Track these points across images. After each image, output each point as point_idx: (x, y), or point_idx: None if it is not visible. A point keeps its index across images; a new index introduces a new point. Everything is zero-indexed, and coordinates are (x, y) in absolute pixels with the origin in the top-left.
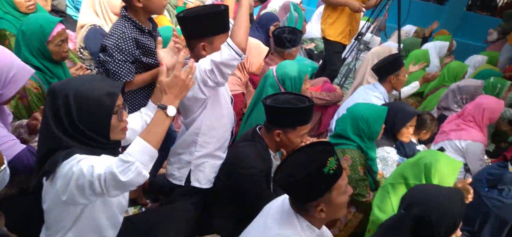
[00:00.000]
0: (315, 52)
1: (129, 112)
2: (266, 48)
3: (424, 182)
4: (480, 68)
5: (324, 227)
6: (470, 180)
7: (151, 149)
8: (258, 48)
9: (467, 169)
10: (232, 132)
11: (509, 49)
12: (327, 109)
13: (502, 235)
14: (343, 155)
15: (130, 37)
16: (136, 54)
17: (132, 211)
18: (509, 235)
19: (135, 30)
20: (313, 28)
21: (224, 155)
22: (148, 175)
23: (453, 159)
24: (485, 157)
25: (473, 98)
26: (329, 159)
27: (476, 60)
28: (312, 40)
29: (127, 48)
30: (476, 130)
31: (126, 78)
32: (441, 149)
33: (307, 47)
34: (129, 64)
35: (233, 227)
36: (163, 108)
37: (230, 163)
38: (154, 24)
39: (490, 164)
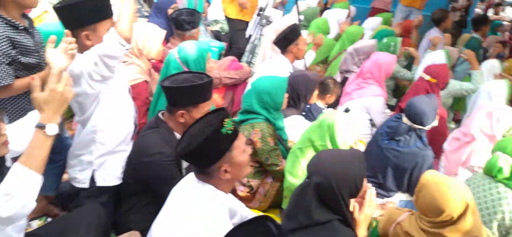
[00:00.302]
0: (222, 33)
1: (14, 120)
2: (164, 32)
3: (328, 141)
4: (377, 30)
5: (236, 200)
6: None
7: (34, 175)
8: (154, 33)
9: (373, 124)
10: (135, 123)
11: (402, 9)
12: (237, 88)
13: (404, 182)
14: (252, 129)
15: (2, 36)
16: (12, 54)
17: (36, 223)
18: (410, 181)
19: (8, 28)
20: (217, 9)
21: (128, 148)
22: (34, 204)
23: (349, 115)
24: (387, 110)
25: (369, 57)
26: (225, 120)
27: (373, 23)
28: (216, 21)
29: (0, 49)
30: (376, 85)
31: (2, 82)
32: (347, 110)
33: (213, 29)
34: (5, 67)
35: (151, 219)
36: (42, 127)
37: (135, 154)
38: (30, 20)
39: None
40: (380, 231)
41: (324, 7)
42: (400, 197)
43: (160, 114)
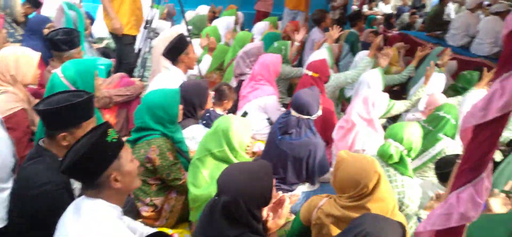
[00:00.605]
0: (112, 50)
1: None
2: (38, 54)
3: (226, 146)
4: (265, 33)
5: (130, 220)
6: None
7: None
8: (25, 57)
9: (271, 122)
10: (14, 157)
11: (288, 13)
12: (131, 104)
13: (302, 172)
14: (149, 146)
15: None
16: None
17: None
18: (307, 170)
19: None
20: (101, 26)
21: (9, 184)
22: None
23: (242, 118)
24: (283, 108)
25: (258, 58)
26: (109, 130)
27: (261, 27)
28: (101, 39)
29: None
30: (268, 85)
31: None
32: (245, 113)
33: (100, 47)
34: None
35: None
36: None
37: (21, 189)
38: None
39: None
40: (302, 218)
41: (213, 16)
42: (301, 188)
43: (40, 142)
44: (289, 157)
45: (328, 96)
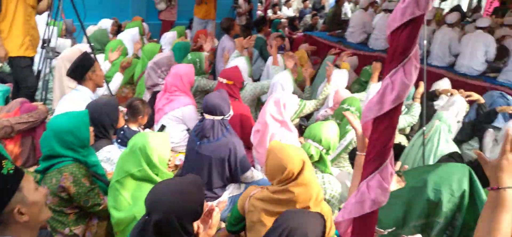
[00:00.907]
0: (7, 74)
1: None
2: None
3: (145, 165)
4: (174, 43)
5: None
6: None
7: None
8: None
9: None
10: None
11: (199, 22)
12: (36, 131)
13: (226, 171)
14: (61, 174)
15: None
16: None
17: None
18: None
19: None
20: None
21: None
22: None
23: (159, 132)
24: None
25: (170, 67)
26: (3, 162)
27: (169, 37)
28: None
29: None
30: (183, 95)
31: None
32: (162, 127)
33: None
34: None
35: None
36: None
37: None
38: None
39: None
40: (239, 207)
41: (117, 30)
42: (227, 194)
43: None
44: (212, 160)
45: (247, 104)
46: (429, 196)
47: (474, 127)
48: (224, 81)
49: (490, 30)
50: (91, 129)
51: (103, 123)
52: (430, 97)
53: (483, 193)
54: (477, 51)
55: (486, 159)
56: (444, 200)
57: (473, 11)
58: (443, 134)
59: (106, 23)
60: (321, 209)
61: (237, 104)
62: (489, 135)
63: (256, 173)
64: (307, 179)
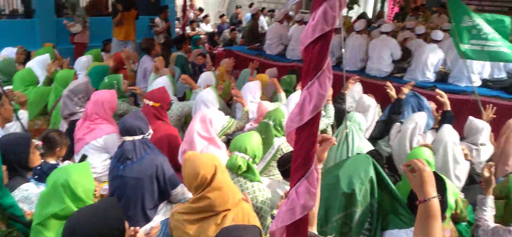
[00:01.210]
0: None
1: None
2: None
3: (70, 202)
4: (90, 67)
5: None
6: None
7: None
8: None
9: None
10: None
11: (118, 43)
12: None
13: (155, 189)
14: None
15: None
16: None
17: None
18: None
19: None
20: None
21: None
22: None
23: (80, 163)
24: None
25: (88, 94)
26: None
27: (83, 61)
28: None
29: None
30: (105, 123)
31: None
32: (84, 157)
33: None
34: None
35: None
36: None
37: None
38: None
39: None
40: (169, 230)
41: (26, 58)
42: (159, 218)
43: None
44: (139, 181)
45: (173, 124)
46: (343, 189)
47: (387, 124)
48: (150, 103)
49: (393, 34)
50: (4, 167)
51: (14, 159)
52: (340, 98)
53: (386, 176)
54: (383, 54)
55: (411, 177)
56: (357, 189)
57: (378, 17)
58: (356, 133)
59: (10, 52)
60: (242, 209)
61: (165, 126)
62: (395, 127)
63: (187, 190)
64: (221, 182)
